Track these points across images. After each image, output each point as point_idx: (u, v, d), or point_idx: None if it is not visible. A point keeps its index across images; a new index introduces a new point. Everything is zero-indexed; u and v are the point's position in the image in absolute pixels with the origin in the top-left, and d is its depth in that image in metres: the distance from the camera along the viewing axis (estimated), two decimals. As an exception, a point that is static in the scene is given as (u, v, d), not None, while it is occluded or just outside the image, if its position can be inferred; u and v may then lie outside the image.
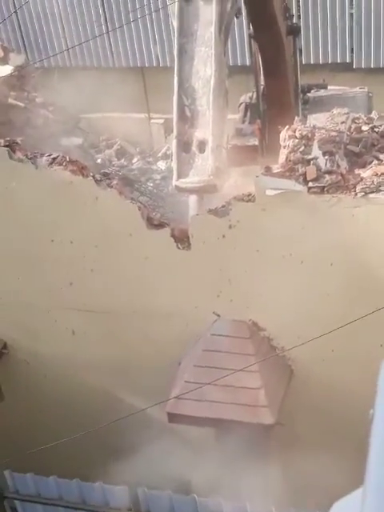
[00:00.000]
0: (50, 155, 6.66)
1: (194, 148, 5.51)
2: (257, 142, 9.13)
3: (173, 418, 6.39)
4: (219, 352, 6.47)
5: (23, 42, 14.14)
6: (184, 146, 5.50)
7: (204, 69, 5.38)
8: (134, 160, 12.88)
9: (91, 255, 6.80)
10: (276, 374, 6.51)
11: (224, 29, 5.57)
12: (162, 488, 5.82)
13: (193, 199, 5.79)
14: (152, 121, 13.39)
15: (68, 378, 7.47)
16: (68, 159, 6.61)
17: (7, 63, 9.83)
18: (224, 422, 6.22)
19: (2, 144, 6.66)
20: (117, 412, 6.70)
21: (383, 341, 6.25)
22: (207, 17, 5.38)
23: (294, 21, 9.10)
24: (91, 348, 7.29)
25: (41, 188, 6.63)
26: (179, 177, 5.61)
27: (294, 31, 8.72)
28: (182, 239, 6.52)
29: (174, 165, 5.63)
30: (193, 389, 6.06)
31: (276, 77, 8.69)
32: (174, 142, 5.56)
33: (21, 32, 14.06)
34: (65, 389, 7.53)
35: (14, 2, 13.87)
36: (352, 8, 12.61)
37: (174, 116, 5.55)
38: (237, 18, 6.11)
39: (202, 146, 5.45)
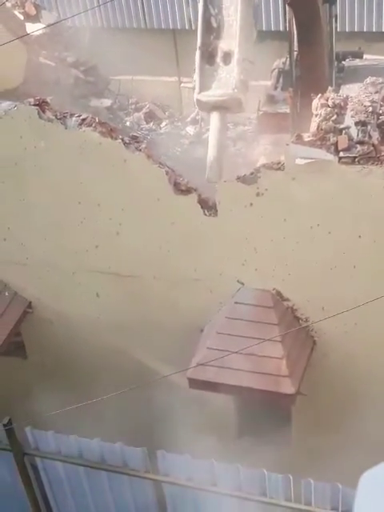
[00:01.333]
0: (79, 116, 6.62)
1: (218, 60, 5.22)
2: (288, 110, 8.99)
3: (194, 383, 6.42)
4: (242, 320, 6.47)
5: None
6: (208, 57, 5.22)
7: None
8: (163, 124, 12.78)
9: (118, 218, 6.79)
10: (298, 344, 6.50)
11: None
12: (181, 452, 5.88)
13: (215, 120, 5.33)
14: (182, 85, 13.24)
15: (91, 340, 7.54)
16: (97, 120, 6.56)
17: (39, 21, 9.73)
18: (245, 390, 6.24)
19: (32, 103, 6.63)
20: (139, 375, 6.79)
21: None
22: None
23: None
24: (115, 311, 7.34)
25: (69, 149, 6.60)
26: (201, 89, 5.28)
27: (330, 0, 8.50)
28: (209, 205, 6.49)
29: (196, 77, 5.30)
30: (215, 356, 6.08)
31: (310, 44, 8.50)
32: (198, 52, 5.25)
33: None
34: (88, 350, 7.60)
35: None
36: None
37: (199, 26, 5.26)
38: None
39: (227, 57, 5.17)
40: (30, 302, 7.70)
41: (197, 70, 5.27)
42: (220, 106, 5.24)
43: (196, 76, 5.26)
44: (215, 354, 6.16)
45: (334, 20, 8.87)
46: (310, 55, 8.61)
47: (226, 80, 5.12)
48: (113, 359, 7.57)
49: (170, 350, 6.96)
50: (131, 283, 7.13)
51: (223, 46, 5.11)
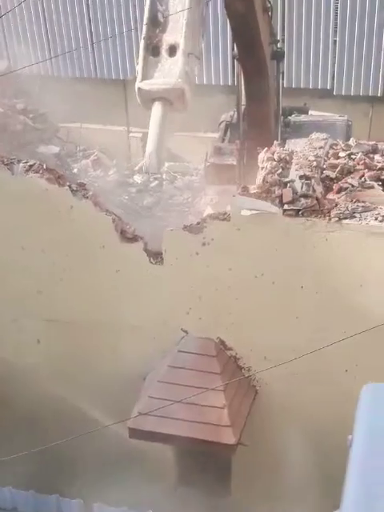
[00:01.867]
0: (26, 162, 6.61)
1: (163, 52, 5.08)
2: (235, 162, 9.17)
3: (134, 433, 6.32)
4: (185, 369, 6.44)
5: (6, 48, 14.07)
6: (153, 49, 5.08)
7: None
8: (111, 172, 12.86)
9: (62, 264, 6.74)
10: (240, 393, 6.49)
11: None
12: (118, 504, 5.74)
13: (156, 111, 5.07)
14: (131, 134, 13.39)
15: (32, 387, 7.35)
16: (45, 167, 6.56)
17: (-11, 68, 9.76)
18: (186, 440, 6.17)
19: (-21, 148, 6.60)
20: (79, 424, 6.63)
21: (348, 366, 6.27)
22: None
23: (279, 45, 9.15)
24: (56, 358, 7.20)
25: (15, 194, 6.56)
26: (143, 78, 5.05)
27: (278, 56, 8.78)
28: (154, 254, 6.51)
29: (138, 67, 5.11)
30: (156, 405, 6.01)
31: (258, 99, 8.74)
32: (142, 43, 5.09)
33: (5, 38, 14.00)
34: (28, 398, 7.41)
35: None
36: (336, 36, 12.80)
37: (145, 19, 5.13)
38: None
39: (172, 50, 5.05)
40: (-31, 349, 7.49)
41: (140, 60, 5.10)
42: (162, 96, 5.02)
43: (139, 66, 5.09)
44: (156, 403, 6.08)
45: (280, 76, 9.15)
46: (257, 109, 8.86)
47: (170, 70, 4.99)
48: (53, 407, 7.39)
49: (112, 399, 6.85)
50: (73, 330, 7.03)
51: (169, 39, 5.02)
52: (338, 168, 6.54)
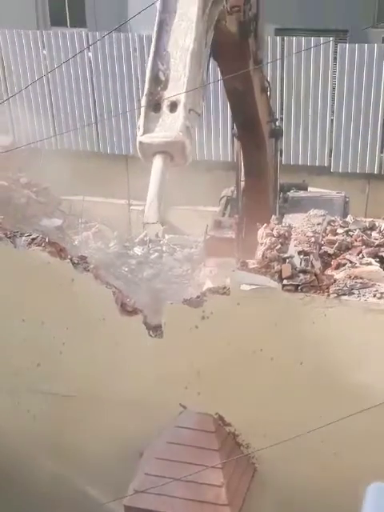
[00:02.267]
0: (29, 235, 6.71)
1: (164, 108, 5.11)
2: (234, 235, 9.30)
3: (131, 511, 6.18)
4: (183, 445, 6.36)
5: (12, 123, 14.45)
6: (154, 105, 5.13)
7: (183, 39, 5.19)
8: (111, 244, 12.98)
9: (62, 337, 6.74)
10: (239, 471, 6.39)
11: (208, 14, 5.46)
12: None
13: (157, 162, 5.04)
14: (132, 207, 13.61)
15: (29, 462, 7.26)
16: (47, 240, 6.66)
17: (-6, 142, 10.00)
18: (184, 519, 6.04)
19: (-17, 221, 6.72)
20: (75, 501, 6.51)
21: (350, 444, 6.19)
22: None
23: (277, 124, 9.41)
24: (53, 432, 7.12)
25: (17, 267, 6.64)
26: (145, 132, 5.04)
27: (277, 134, 9.01)
28: (154, 327, 6.52)
29: (139, 122, 5.12)
30: (153, 482, 5.92)
31: (256, 175, 8.94)
32: (144, 99, 5.14)
33: (10, 113, 14.39)
34: (23, 472, 7.30)
35: (6, 87, 14.28)
36: (333, 115, 13.17)
37: (147, 76, 5.20)
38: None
39: (173, 106, 5.07)
40: (-34, 422, 7.42)
41: (142, 115, 5.16)
42: (163, 150, 5.03)
43: (140, 121, 5.13)
44: (153, 480, 5.99)
45: (279, 154, 9.37)
46: (255, 185, 9.04)
47: (171, 125, 5.03)
48: (48, 482, 7.26)
49: (108, 475, 6.74)
50: (71, 403, 6.98)
51: (170, 96, 5.09)
52: (336, 244, 6.64)
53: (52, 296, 6.64)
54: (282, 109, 13.22)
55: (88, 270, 6.60)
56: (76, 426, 6.99)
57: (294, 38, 12.92)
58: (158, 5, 5.41)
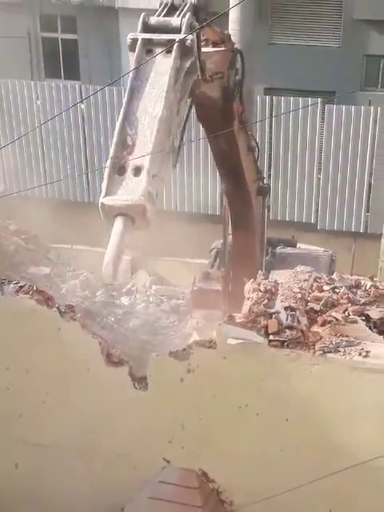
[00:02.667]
0: (17, 283, 6.71)
1: (128, 172, 5.13)
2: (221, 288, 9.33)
3: None
4: (165, 501, 6.26)
5: (4, 171, 14.58)
6: (119, 169, 5.14)
7: (153, 107, 5.25)
8: (98, 293, 12.98)
9: (45, 386, 6.68)
10: (222, 529, 6.29)
11: (181, 84, 5.51)
12: None
13: (117, 223, 5.07)
14: (120, 257, 13.64)
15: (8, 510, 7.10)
16: (35, 288, 6.66)
17: (-16, 191, 10.09)
18: None
19: (-29, 268, 6.73)
20: None
21: (334, 504, 6.14)
22: (164, 68, 5.35)
23: (265, 182, 9.55)
24: (33, 484, 6.98)
25: (4, 314, 6.62)
26: (107, 194, 5.07)
27: (264, 192, 9.09)
28: (139, 378, 6.49)
29: (103, 184, 5.14)
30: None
31: (243, 231, 9.01)
32: (109, 162, 5.15)
33: (2, 161, 14.54)
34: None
35: (-1, 136, 14.50)
36: (320, 173, 13.42)
37: (114, 140, 5.23)
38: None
39: (137, 171, 5.10)
40: None
41: (105, 178, 5.16)
42: (124, 212, 5.03)
43: (103, 183, 5.14)
44: (135, 537, 5.88)
45: (266, 210, 9.47)
46: (242, 241, 9.12)
47: (134, 189, 5.05)
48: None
49: (88, 531, 6.61)
50: (53, 454, 6.87)
51: (135, 161, 5.11)
52: (322, 301, 6.68)
53: (38, 344, 6.60)
54: (270, 166, 13.47)
55: (75, 320, 6.59)
56: (57, 477, 6.86)
57: (283, 98, 13.25)
58: (130, 73, 5.47)
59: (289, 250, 10.01)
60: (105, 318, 10.97)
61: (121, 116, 5.26)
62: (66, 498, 6.87)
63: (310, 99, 13.33)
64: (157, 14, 5.63)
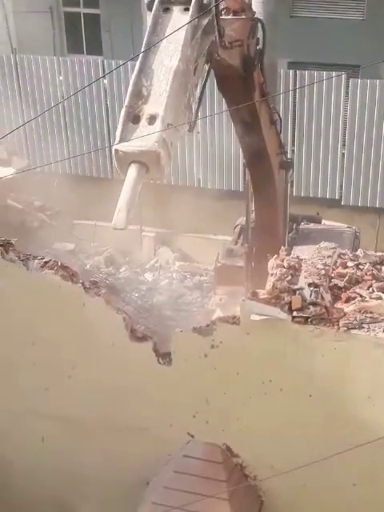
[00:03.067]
0: (42, 258, 6.76)
1: (143, 120, 5.10)
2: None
3: (137, 540, 6.15)
4: (190, 475, 6.33)
5: (27, 146, 14.62)
6: (133, 117, 5.13)
7: (169, 59, 5.23)
8: (122, 269, 13.07)
9: (71, 361, 6.76)
10: (246, 503, 6.35)
11: (198, 42, 5.50)
12: None
13: (131, 171, 5.00)
14: (143, 233, 13.69)
15: (34, 486, 7.23)
16: (59, 264, 6.70)
17: (10, 165, 10.13)
18: None
19: (-4, 243, 6.78)
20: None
21: (356, 480, 6.17)
22: (181, 24, 5.33)
23: (288, 156, 9.46)
24: (59, 457, 7.10)
25: (29, 290, 6.68)
26: (121, 141, 5.04)
27: (287, 166, 9.02)
28: (163, 354, 6.54)
29: (117, 132, 5.11)
30: (160, 511, 5.89)
31: (265, 206, 8.96)
32: (123, 110, 5.14)
33: (26, 136, 14.57)
34: (30, 498, 7.27)
35: (22, 111, 14.47)
36: (344, 148, 13.28)
37: (129, 91, 5.24)
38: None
39: (152, 119, 5.07)
40: (-28, 444, 7.42)
41: (119, 125, 5.14)
42: (137, 159, 4.99)
43: (118, 130, 5.12)
44: (160, 509, 5.96)
45: (288, 185, 9.38)
46: (265, 216, 9.07)
47: (148, 136, 5.01)
48: (53, 509, 7.23)
49: (114, 503, 6.70)
50: (78, 428, 6.97)
51: (150, 109, 5.10)
52: (346, 277, 6.65)
53: (63, 320, 6.67)
54: (293, 141, 13.34)
55: (99, 295, 6.64)
56: (83, 451, 6.97)
57: (307, 72, 13.09)
58: (147, 27, 5.48)
59: (312, 226, 9.95)
60: (129, 294, 11.04)
61: (136, 68, 5.25)
62: (91, 471, 6.99)
63: (333, 73, 13.14)
64: None
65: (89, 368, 6.72)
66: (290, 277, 6.35)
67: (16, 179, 9.76)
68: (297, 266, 6.55)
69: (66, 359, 6.76)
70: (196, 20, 5.38)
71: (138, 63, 5.29)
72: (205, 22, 5.46)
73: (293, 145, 13.26)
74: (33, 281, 6.66)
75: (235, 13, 6.78)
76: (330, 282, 6.56)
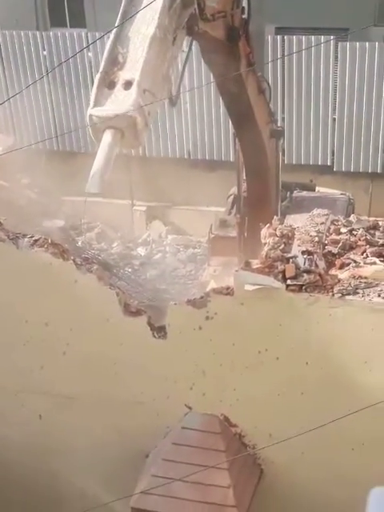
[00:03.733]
0: (31, 237, 6.68)
1: (118, 85, 4.95)
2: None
3: (137, 513, 6.17)
4: (189, 446, 6.34)
5: (13, 123, 14.43)
6: (109, 83, 4.96)
7: (146, 27, 5.10)
8: (114, 244, 13.01)
9: (65, 338, 6.72)
10: (245, 472, 6.36)
11: (176, 13, 5.36)
12: None
13: (106, 136, 4.85)
14: (134, 207, 13.60)
15: (33, 463, 7.25)
16: (50, 241, 6.62)
17: (-5, 143, 9.99)
18: (190, 521, 6.02)
19: (-16, 222, 6.69)
20: (80, 502, 6.50)
21: (355, 445, 6.18)
22: None
23: (279, 124, 9.32)
24: (57, 433, 7.10)
25: (20, 268, 6.61)
26: (95, 105, 4.88)
27: (277, 135, 8.90)
28: (158, 327, 6.51)
29: (91, 95, 4.96)
30: (159, 483, 5.90)
31: (257, 175, 8.87)
32: (98, 76, 4.98)
33: (11, 114, 14.37)
34: (28, 474, 7.29)
35: (7, 88, 14.26)
36: (335, 113, 13.14)
37: (104, 56, 5.09)
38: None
39: (128, 84, 4.92)
40: (-31, 424, 7.41)
41: (94, 90, 4.98)
42: (112, 124, 4.84)
43: (92, 95, 4.97)
44: (160, 481, 5.97)
45: (280, 154, 9.27)
46: (256, 186, 8.98)
47: (124, 100, 4.88)
48: (51, 484, 7.26)
49: (113, 477, 6.72)
50: (76, 404, 6.96)
51: (126, 75, 4.95)
52: (340, 244, 6.61)
53: (55, 297, 6.61)
54: (283, 108, 13.19)
55: (91, 272, 6.58)
56: (81, 427, 6.97)
57: (295, 37, 12.90)
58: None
59: (305, 193, 9.86)
60: (122, 270, 10.99)
61: (112, 36, 5.11)
62: (90, 446, 6.99)
63: (322, 37, 12.96)
64: None
65: (83, 344, 6.69)
66: (283, 245, 6.31)
67: (2, 158, 9.62)
68: (290, 234, 6.51)
69: (59, 336, 6.72)
70: None
71: (113, 31, 5.16)
72: None
73: (283, 112, 13.12)
74: (23, 259, 6.59)
75: None
76: (324, 248, 6.52)
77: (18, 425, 7.21)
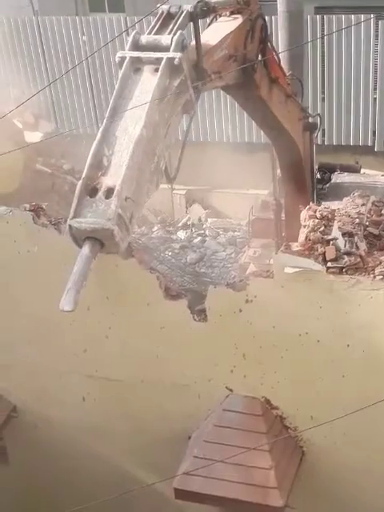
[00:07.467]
0: (73, 221, 6.74)
1: (100, 194, 4.77)
2: (283, 216, 9.14)
3: (180, 494, 6.25)
4: (230, 428, 6.38)
5: (54, 109, 14.55)
6: (91, 190, 4.82)
7: (133, 127, 4.88)
8: (155, 228, 13.07)
9: (107, 322, 6.81)
10: (287, 454, 6.39)
11: (170, 104, 5.12)
12: None
13: (85, 248, 4.83)
14: (174, 191, 13.61)
15: (76, 445, 7.38)
16: (91, 226, 6.68)
17: (37, 130, 10.10)
18: (232, 502, 6.08)
19: (28, 208, 6.79)
20: (123, 483, 6.61)
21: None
22: (150, 87, 4.96)
23: (317, 112, 9.00)
24: (101, 415, 7.22)
25: (63, 253, 6.66)
26: (75, 216, 4.79)
27: (311, 128, 8.60)
28: (198, 311, 6.54)
29: (73, 204, 4.85)
30: (202, 465, 5.96)
31: (290, 167, 8.71)
32: (80, 182, 4.84)
33: (52, 100, 14.49)
34: (72, 455, 7.43)
35: (47, 73, 14.37)
36: (375, 93, 12.93)
37: (88, 161, 4.90)
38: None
39: (109, 192, 4.76)
40: (15, 406, 7.57)
41: (75, 198, 4.85)
42: (91, 236, 4.78)
43: (73, 204, 4.84)
44: (202, 463, 6.04)
45: (314, 146, 9.01)
46: (290, 176, 8.79)
47: (103, 211, 4.71)
48: (94, 466, 7.39)
49: (156, 458, 6.82)
50: (118, 387, 7.06)
51: (108, 182, 4.76)
52: (382, 225, 6.54)
53: (97, 281, 6.65)
54: (323, 89, 13.03)
55: (132, 256, 6.63)
56: (124, 410, 7.07)
57: (334, 16, 12.69)
58: (115, 90, 5.06)
59: (345, 176, 9.62)
60: (162, 253, 11.05)
61: (98, 135, 4.88)
62: (133, 428, 7.10)
63: (362, 16, 12.72)
64: (151, 25, 5.22)
65: (125, 328, 6.77)
66: (322, 227, 6.26)
67: (44, 143, 9.72)
68: (329, 216, 6.45)
69: (102, 320, 6.81)
70: (166, 82, 4.99)
71: (100, 130, 4.92)
72: (176, 83, 5.04)
73: (322, 92, 12.96)
74: (65, 244, 6.66)
75: (232, 13, 6.21)
76: (365, 230, 6.45)
77: (61, 406, 7.35)
